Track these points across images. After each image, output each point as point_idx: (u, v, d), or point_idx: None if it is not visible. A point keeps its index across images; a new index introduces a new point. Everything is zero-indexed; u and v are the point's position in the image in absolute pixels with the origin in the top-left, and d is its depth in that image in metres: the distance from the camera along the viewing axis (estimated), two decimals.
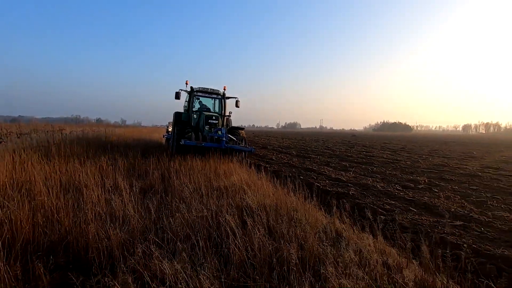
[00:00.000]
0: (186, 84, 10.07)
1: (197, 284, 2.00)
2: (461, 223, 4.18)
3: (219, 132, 8.34)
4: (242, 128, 10.22)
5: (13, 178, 4.19)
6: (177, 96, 9.57)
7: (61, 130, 14.32)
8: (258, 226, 2.92)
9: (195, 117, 10.03)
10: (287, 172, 8.12)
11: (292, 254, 2.39)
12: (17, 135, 11.63)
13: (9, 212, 2.78)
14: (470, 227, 4.02)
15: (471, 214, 4.62)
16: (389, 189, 6.36)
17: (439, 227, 3.99)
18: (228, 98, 10.64)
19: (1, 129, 12.07)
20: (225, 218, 3.01)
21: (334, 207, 3.82)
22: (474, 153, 17.35)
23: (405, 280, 2.16)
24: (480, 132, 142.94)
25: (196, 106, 10.52)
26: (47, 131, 15.89)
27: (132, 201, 3.58)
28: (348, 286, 2.03)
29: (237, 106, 10.63)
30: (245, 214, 3.36)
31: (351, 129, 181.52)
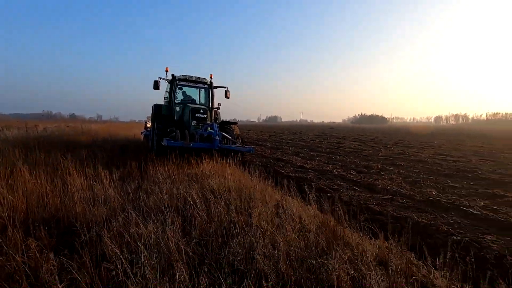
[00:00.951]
0: (166, 71, 8.67)
1: (166, 238, 2.68)
2: (390, 197, 5.14)
3: (210, 129, 7.14)
4: (235, 123, 8.85)
5: None
6: (156, 85, 8.33)
7: (35, 127, 14.27)
8: (220, 202, 3.64)
9: (178, 110, 8.74)
10: (257, 162, 8.89)
11: (241, 219, 3.15)
12: None
13: (3, 198, 3.30)
14: (396, 200, 4.98)
15: (402, 190, 5.62)
16: (344, 174, 7.31)
17: (371, 200, 4.91)
18: (216, 87, 9.36)
19: None
20: (192, 196, 3.70)
21: (287, 187, 4.61)
22: (435, 142, 18.88)
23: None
24: (450, 123, 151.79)
25: (179, 97, 9.14)
26: (19, 128, 15.68)
27: (112, 186, 4.17)
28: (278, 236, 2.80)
29: (226, 96, 9.30)
30: (209, 194, 4.06)
31: (330, 122, 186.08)
